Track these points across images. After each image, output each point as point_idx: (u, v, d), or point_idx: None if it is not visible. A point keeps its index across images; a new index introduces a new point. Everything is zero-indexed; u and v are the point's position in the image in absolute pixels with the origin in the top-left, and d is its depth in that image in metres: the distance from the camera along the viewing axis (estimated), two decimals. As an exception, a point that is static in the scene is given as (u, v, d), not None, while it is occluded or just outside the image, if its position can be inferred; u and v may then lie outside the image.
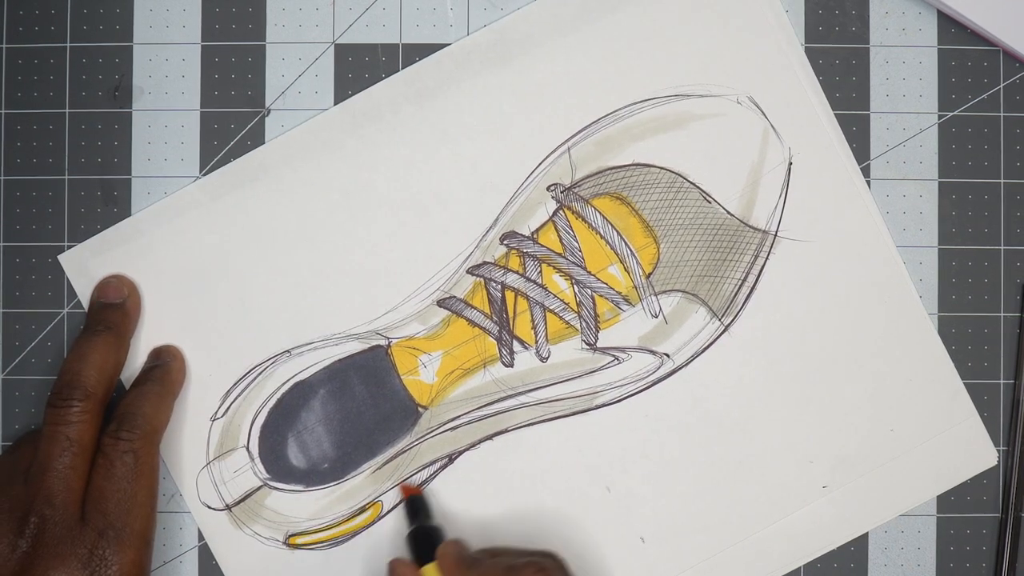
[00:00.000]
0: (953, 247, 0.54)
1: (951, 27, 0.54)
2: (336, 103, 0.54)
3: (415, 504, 0.52)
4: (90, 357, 0.50)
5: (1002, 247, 0.54)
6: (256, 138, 0.54)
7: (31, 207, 0.54)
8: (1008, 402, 0.54)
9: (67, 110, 0.54)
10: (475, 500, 0.53)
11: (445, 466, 0.53)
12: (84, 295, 0.53)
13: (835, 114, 0.54)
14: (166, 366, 0.52)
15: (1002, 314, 0.54)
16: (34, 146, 0.54)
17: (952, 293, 0.54)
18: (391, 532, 0.53)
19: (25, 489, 0.48)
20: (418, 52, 0.54)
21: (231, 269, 0.53)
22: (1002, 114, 0.54)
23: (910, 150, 0.54)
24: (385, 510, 0.53)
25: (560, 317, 0.53)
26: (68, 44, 0.54)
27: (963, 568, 0.54)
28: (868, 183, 0.54)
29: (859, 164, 0.54)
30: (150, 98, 0.54)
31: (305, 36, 0.54)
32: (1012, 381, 0.54)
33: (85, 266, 0.53)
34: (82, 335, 0.51)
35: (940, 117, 0.54)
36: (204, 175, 0.54)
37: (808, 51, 0.54)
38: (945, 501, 0.54)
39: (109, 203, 0.54)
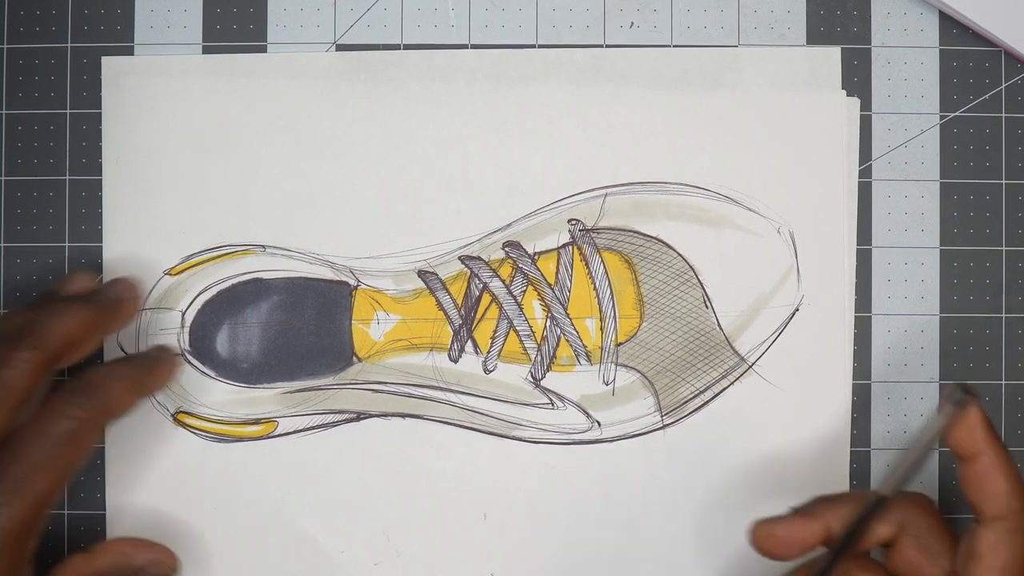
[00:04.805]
0: (954, 248, 0.54)
1: (952, 28, 0.54)
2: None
3: None
4: (64, 316, 0.46)
5: (1003, 248, 0.54)
6: (257, 138, 0.54)
7: (31, 207, 0.54)
8: (1010, 403, 0.54)
9: (68, 111, 0.54)
10: (360, 463, 0.53)
11: (351, 420, 0.53)
12: (107, 104, 0.53)
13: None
14: (159, 360, 0.51)
15: (1003, 315, 0.54)
16: (34, 146, 0.54)
17: (953, 294, 0.54)
18: (274, 454, 0.53)
19: None
20: (420, 53, 0.54)
21: (255, 143, 0.53)
22: (1003, 115, 0.54)
23: (911, 151, 0.54)
24: (278, 431, 0.53)
25: (521, 341, 0.53)
26: (68, 44, 0.54)
27: (965, 569, 0.54)
28: (869, 184, 0.54)
29: (860, 165, 0.54)
30: (151, 98, 0.54)
31: (306, 36, 0.54)
32: (1014, 382, 0.54)
33: (119, 79, 0.53)
34: (70, 298, 0.48)
35: (942, 118, 0.54)
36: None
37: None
38: (946, 502, 0.54)
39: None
